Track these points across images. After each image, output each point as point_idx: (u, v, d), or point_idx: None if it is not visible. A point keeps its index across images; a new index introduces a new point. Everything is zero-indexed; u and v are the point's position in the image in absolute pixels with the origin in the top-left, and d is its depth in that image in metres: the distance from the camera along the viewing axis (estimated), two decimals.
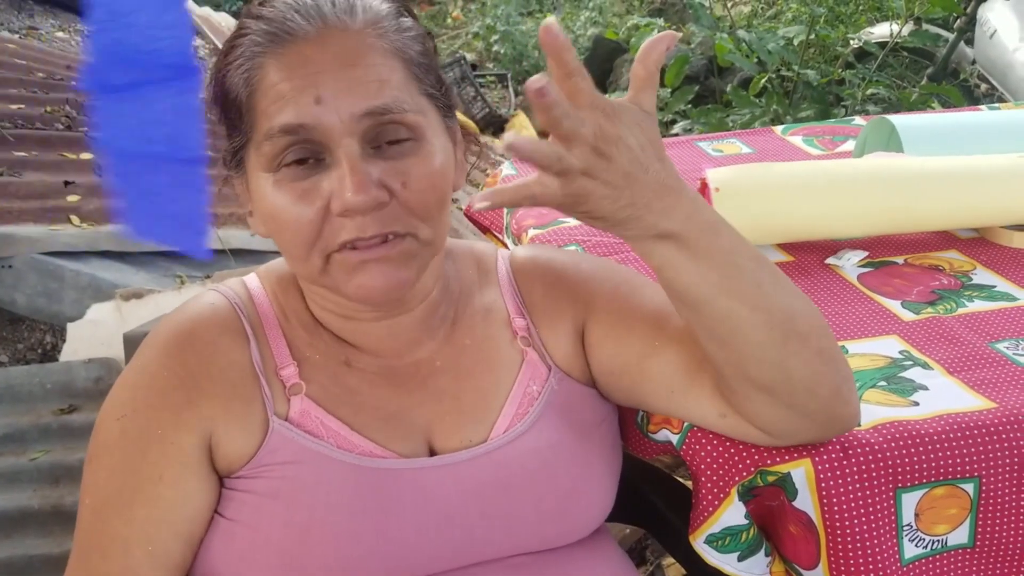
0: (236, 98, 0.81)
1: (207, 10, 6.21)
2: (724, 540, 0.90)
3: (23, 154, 3.05)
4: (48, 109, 3.35)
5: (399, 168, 0.79)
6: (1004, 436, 0.89)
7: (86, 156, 3.14)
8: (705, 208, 0.76)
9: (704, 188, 1.26)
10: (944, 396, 0.95)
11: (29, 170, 2.98)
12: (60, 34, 4.89)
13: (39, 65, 3.79)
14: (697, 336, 0.82)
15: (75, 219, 2.80)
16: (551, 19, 0.67)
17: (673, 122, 4.04)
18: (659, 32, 0.79)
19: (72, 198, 2.90)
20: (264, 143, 0.79)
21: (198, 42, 5.29)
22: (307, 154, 0.79)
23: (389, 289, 0.81)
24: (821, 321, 0.82)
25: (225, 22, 6.04)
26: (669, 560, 2.06)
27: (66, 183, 2.96)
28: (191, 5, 6.08)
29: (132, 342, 0.91)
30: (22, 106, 3.34)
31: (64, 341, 2.48)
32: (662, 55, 0.73)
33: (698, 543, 0.91)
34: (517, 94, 5.81)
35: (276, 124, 0.78)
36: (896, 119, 1.43)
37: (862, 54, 3.84)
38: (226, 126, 0.84)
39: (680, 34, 0.86)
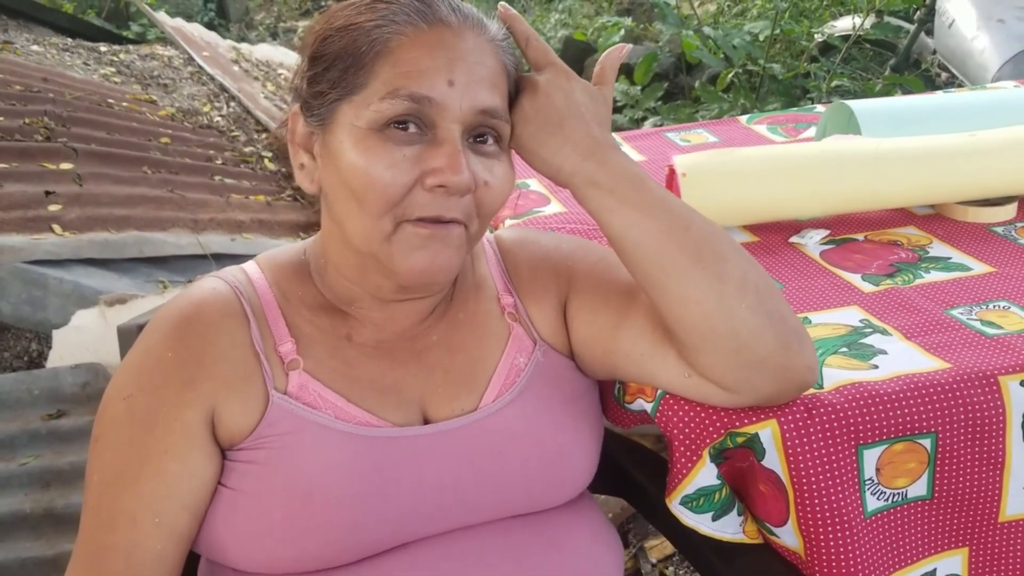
0: (357, 54, 0.84)
1: (179, 21, 6.23)
2: (698, 501, 0.95)
3: (3, 165, 3.06)
4: (27, 121, 3.36)
5: (487, 166, 0.87)
6: (958, 393, 0.94)
7: (66, 166, 3.15)
8: (633, 165, 0.91)
9: (672, 174, 1.31)
10: (902, 359, 1.00)
11: (10, 181, 2.99)
12: (35, 47, 4.89)
13: (16, 78, 3.80)
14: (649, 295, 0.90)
15: (57, 228, 2.82)
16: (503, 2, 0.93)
17: (644, 119, 4.10)
18: (624, 30, 1.01)
19: (53, 207, 2.92)
20: (383, 102, 0.82)
21: (171, 52, 5.31)
22: (413, 121, 0.83)
23: (438, 271, 0.86)
24: (763, 274, 0.89)
25: (198, 33, 6.06)
26: (651, 543, 2.11)
27: (47, 193, 2.98)
28: (163, 17, 6.10)
29: (126, 334, 0.95)
30: (1, 119, 3.36)
31: (50, 348, 2.50)
32: (617, 60, 0.98)
33: (674, 505, 0.96)
34: None
35: (408, 91, 0.82)
36: (854, 104, 1.48)
37: (826, 47, 3.92)
38: (324, 76, 0.86)
39: (630, 46, 1.02)
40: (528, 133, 0.91)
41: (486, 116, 0.86)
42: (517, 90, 0.92)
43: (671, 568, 2.06)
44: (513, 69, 0.92)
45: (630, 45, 1.03)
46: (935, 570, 0.99)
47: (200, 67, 5.06)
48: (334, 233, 0.91)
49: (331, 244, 0.92)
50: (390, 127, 0.83)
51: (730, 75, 3.56)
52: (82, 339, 2.44)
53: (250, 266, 0.97)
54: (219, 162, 3.74)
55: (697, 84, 3.91)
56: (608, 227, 0.90)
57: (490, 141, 0.88)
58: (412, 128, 0.84)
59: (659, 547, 2.09)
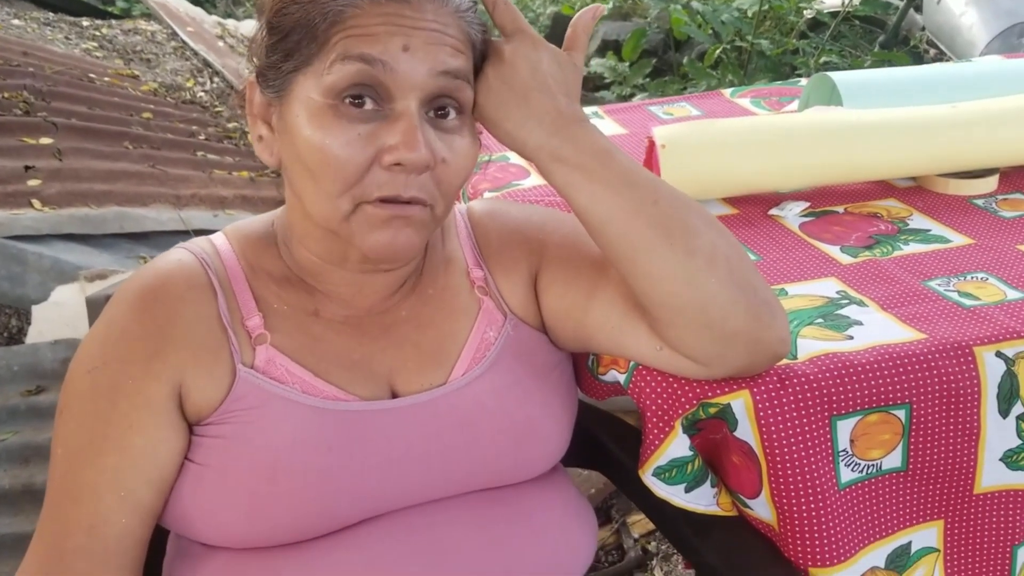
0: (311, 25, 0.81)
1: None
2: (671, 472, 0.94)
3: None
4: (6, 95, 3.33)
5: (446, 142, 0.84)
6: (933, 364, 0.94)
7: (46, 141, 3.13)
8: (601, 138, 0.88)
9: (651, 146, 1.30)
10: (877, 330, 0.99)
11: None
12: (16, 21, 4.84)
13: None
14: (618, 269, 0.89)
15: (36, 203, 2.80)
16: None
17: (632, 96, 4.08)
18: (612, 5, 0.96)
19: (33, 182, 2.89)
20: (336, 66, 0.80)
21: (155, 27, 5.26)
22: (369, 95, 0.81)
23: (402, 249, 0.84)
24: (733, 245, 0.88)
25: (183, 8, 6.00)
26: (634, 518, 2.11)
27: (26, 168, 2.95)
28: None
29: (95, 305, 0.93)
30: None
31: (29, 324, 2.48)
32: (591, 22, 0.94)
33: (647, 476, 0.96)
34: None
35: (358, 51, 0.79)
36: (836, 76, 1.47)
37: (815, 24, 3.90)
38: (281, 46, 0.84)
39: (606, 6, 0.98)
40: (492, 104, 0.89)
41: (448, 79, 0.83)
42: (483, 58, 0.90)
43: (653, 543, 2.07)
44: (480, 40, 0.89)
45: (604, 5, 0.98)
46: (910, 542, 0.98)
47: (184, 42, 5.02)
48: (296, 206, 0.89)
49: (295, 217, 0.90)
50: (345, 102, 0.80)
51: (718, 51, 3.54)
52: (62, 315, 2.42)
53: (217, 237, 0.95)
54: (202, 137, 3.71)
55: (685, 60, 3.88)
56: (574, 203, 0.89)
57: (452, 115, 0.85)
58: (368, 104, 0.81)
59: (641, 522, 2.09)
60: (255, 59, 0.88)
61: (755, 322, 0.85)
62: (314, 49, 0.81)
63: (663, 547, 2.06)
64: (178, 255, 0.91)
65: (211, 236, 0.96)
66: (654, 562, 2.03)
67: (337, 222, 0.84)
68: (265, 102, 0.87)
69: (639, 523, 2.10)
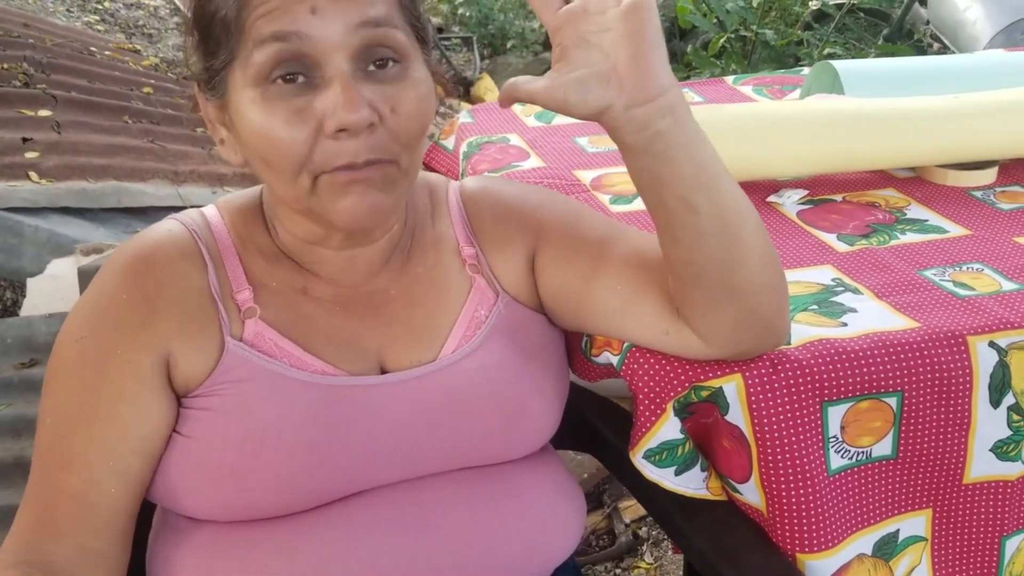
0: (224, 16, 0.80)
1: None
2: (661, 455, 0.94)
3: None
4: (5, 66, 3.31)
5: (388, 93, 0.81)
6: (926, 352, 0.93)
7: (45, 113, 3.11)
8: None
9: None
10: (871, 317, 0.98)
11: None
12: None
13: None
14: (659, 248, 0.86)
15: (34, 175, 2.79)
16: None
17: None
18: None
19: (31, 154, 2.88)
20: (255, 52, 0.78)
21: (157, 2, 5.24)
22: (297, 69, 0.79)
23: (372, 213, 0.83)
24: (765, 231, 0.86)
25: None
26: (625, 503, 2.11)
27: (24, 140, 2.94)
28: None
29: (86, 275, 0.93)
30: None
31: (24, 296, 2.48)
32: None
33: (637, 458, 0.96)
34: (482, 57, 5.80)
35: (269, 31, 0.77)
36: (838, 64, 1.46)
37: (820, 16, 3.88)
38: (207, 46, 0.83)
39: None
40: None
41: (371, 29, 0.79)
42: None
43: (644, 529, 2.07)
44: None
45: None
46: (898, 530, 0.99)
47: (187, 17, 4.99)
48: (272, 195, 0.89)
49: (274, 203, 0.91)
50: (277, 82, 0.79)
51: (722, 40, 3.52)
52: (57, 288, 2.41)
53: (209, 210, 0.95)
54: (202, 114, 3.69)
55: (689, 49, 3.87)
56: (673, 162, 0.81)
57: (390, 64, 0.82)
58: (301, 78, 0.79)
59: (633, 508, 2.10)
60: (191, 68, 0.86)
61: (778, 311, 0.87)
62: (236, 39, 0.80)
63: (654, 532, 2.06)
64: (168, 225, 0.91)
65: (202, 208, 0.95)
66: (644, 547, 2.03)
67: (304, 201, 0.83)
68: (215, 106, 0.86)
69: (630, 508, 2.10)
